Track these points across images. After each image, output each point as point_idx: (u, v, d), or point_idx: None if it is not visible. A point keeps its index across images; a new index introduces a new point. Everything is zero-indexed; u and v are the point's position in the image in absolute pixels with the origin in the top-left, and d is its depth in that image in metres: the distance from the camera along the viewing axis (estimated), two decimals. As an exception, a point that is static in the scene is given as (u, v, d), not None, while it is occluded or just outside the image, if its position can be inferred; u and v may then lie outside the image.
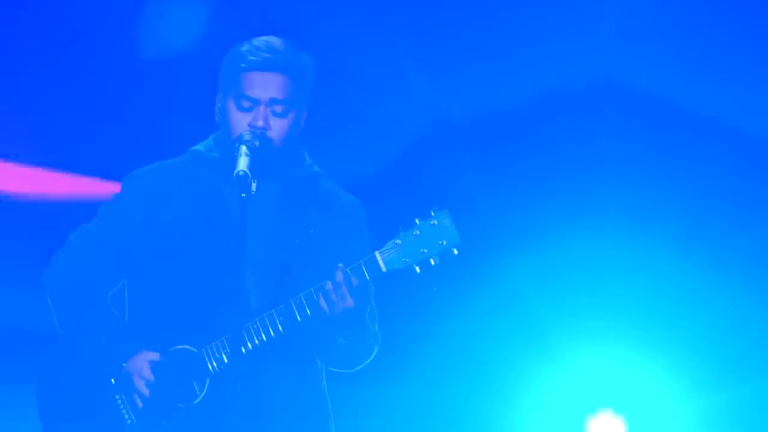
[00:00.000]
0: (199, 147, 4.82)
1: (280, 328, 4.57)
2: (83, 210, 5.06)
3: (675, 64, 7.16)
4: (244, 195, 4.44)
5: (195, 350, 4.61)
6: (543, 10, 7.18)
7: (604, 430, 7.19)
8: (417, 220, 4.56)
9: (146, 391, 4.58)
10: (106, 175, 6.76)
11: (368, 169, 6.94)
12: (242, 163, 4.48)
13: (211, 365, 4.59)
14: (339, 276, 4.51)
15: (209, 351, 4.60)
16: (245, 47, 4.70)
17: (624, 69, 7.18)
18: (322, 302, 4.53)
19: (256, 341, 4.56)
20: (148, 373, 4.59)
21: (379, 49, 7.08)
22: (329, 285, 4.52)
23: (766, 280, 7.10)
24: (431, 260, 4.53)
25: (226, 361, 4.57)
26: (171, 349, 4.62)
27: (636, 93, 7.19)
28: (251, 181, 4.47)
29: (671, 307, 7.13)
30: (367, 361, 4.80)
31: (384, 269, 4.53)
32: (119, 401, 4.65)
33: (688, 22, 7.10)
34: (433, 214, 4.55)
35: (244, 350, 4.56)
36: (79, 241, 4.80)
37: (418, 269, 4.54)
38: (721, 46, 7.08)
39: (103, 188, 6.75)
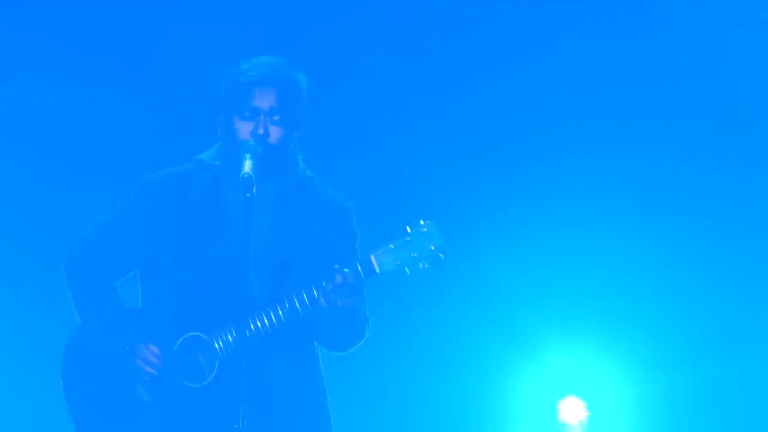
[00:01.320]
0: (204, 156, 5.20)
1: (282, 318, 4.93)
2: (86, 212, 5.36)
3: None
4: (248, 195, 4.80)
5: (205, 337, 4.97)
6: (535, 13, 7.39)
7: (571, 411, 7.74)
8: (408, 228, 4.90)
9: (153, 372, 4.97)
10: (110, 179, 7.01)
11: (363, 180, 7.17)
12: (247, 167, 4.86)
13: (219, 350, 4.95)
14: (338, 278, 4.89)
15: (217, 337, 4.96)
16: (246, 64, 5.10)
17: (612, 70, 7.39)
18: (322, 299, 4.90)
19: (260, 327, 4.92)
20: (152, 357, 4.98)
21: (371, 58, 7.29)
22: (329, 285, 4.89)
23: (715, 278, 7.40)
24: (420, 264, 4.88)
25: (232, 345, 4.94)
26: (183, 336, 4.99)
27: (616, 98, 7.37)
28: (254, 184, 4.83)
29: (628, 309, 7.51)
30: (359, 345, 5.19)
31: (378, 270, 4.89)
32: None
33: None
34: (422, 222, 4.90)
35: (248, 333, 4.92)
36: (97, 232, 5.17)
37: (408, 271, 4.90)
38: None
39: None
